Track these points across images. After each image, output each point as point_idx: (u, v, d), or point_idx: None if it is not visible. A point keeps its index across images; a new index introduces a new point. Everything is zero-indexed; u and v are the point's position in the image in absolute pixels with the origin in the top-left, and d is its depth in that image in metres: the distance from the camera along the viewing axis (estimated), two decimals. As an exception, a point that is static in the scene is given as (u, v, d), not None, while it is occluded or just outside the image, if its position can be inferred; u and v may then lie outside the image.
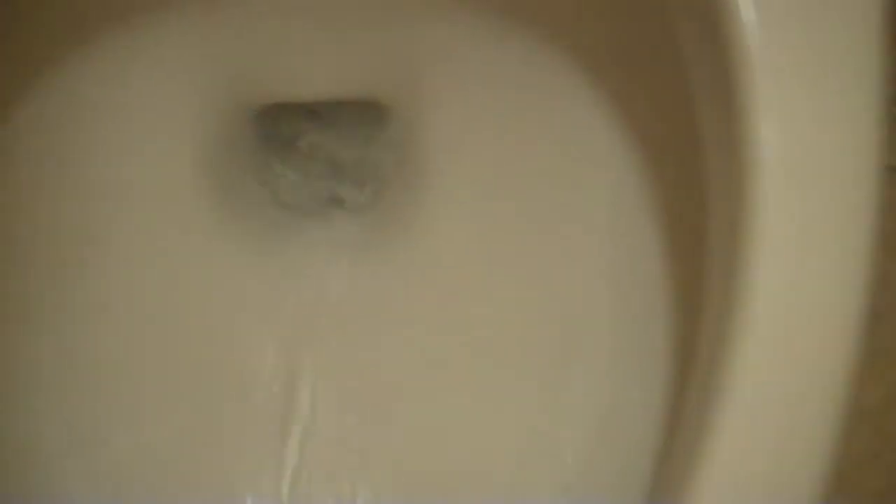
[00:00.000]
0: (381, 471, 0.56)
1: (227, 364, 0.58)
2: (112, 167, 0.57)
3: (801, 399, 0.41)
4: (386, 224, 0.59)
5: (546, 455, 0.54)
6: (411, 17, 0.55)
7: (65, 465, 0.55)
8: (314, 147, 0.61)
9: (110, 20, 0.55)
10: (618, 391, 0.54)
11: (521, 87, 0.55)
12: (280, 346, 0.58)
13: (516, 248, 0.57)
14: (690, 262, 0.48)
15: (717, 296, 0.43)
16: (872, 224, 0.41)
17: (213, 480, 0.57)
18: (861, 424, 0.78)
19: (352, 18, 0.56)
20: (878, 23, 0.41)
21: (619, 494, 0.51)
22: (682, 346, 0.50)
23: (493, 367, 0.56)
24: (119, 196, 0.57)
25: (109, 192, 0.57)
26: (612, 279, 0.55)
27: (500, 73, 0.55)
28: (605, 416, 0.54)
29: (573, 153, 0.55)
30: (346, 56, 0.57)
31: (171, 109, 0.57)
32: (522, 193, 0.56)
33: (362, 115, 0.60)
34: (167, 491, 0.55)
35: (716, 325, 0.42)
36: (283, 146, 0.61)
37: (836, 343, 0.41)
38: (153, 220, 0.58)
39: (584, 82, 0.53)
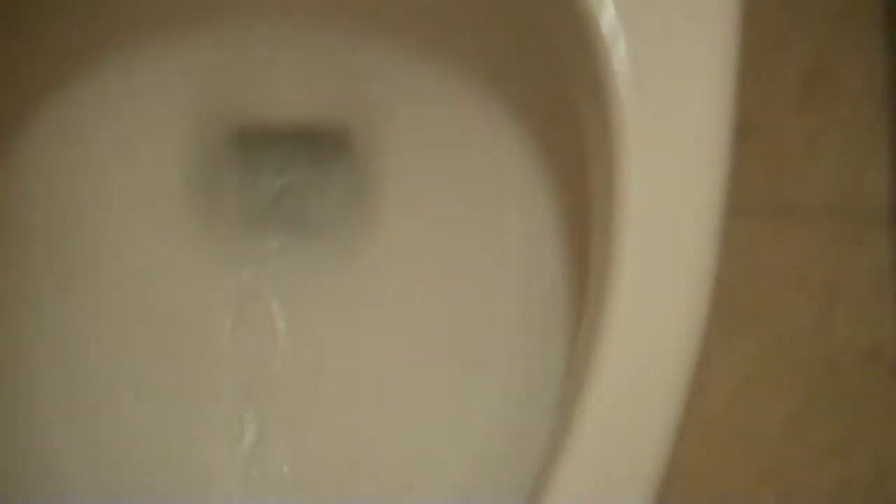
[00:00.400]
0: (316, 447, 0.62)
1: (193, 352, 0.64)
2: (102, 178, 0.63)
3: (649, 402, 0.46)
4: (340, 238, 0.65)
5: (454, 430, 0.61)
6: (365, 53, 0.62)
7: (55, 437, 0.61)
8: (282, 167, 0.66)
9: (106, 49, 0.61)
10: (519, 396, 0.60)
11: (452, 111, 0.62)
12: (240, 339, 0.64)
13: (444, 263, 0.64)
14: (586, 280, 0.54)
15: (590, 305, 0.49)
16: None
17: (179, 450, 0.62)
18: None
19: (315, 52, 0.63)
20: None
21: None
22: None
23: (416, 365, 0.63)
24: (107, 203, 0.63)
25: (99, 199, 0.63)
26: (521, 295, 0.62)
27: (434, 101, 0.62)
28: (505, 418, 0.60)
29: (493, 180, 0.62)
30: (310, 84, 0.64)
31: (157, 129, 0.63)
32: (453, 215, 0.63)
33: (322, 139, 0.66)
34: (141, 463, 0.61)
35: (587, 325, 0.48)
36: (255, 165, 0.66)
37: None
38: (136, 223, 0.63)
39: (500, 105, 0.61)
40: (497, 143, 0.62)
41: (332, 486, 0.63)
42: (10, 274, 0.61)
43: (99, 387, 0.62)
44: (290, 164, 0.66)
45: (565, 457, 0.46)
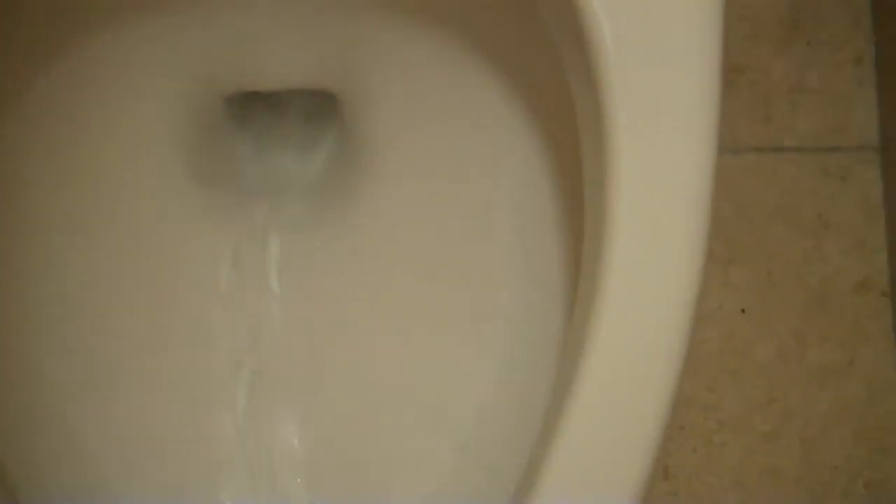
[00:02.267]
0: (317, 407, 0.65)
1: (190, 314, 0.66)
2: (98, 149, 0.65)
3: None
4: (330, 198, 0.67)
5: (457, 387, 0.64)
6: (358, 19, 0.63)
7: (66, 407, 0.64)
8: (272, 130, 0.69)
9: (100, 16, 0.62)
10: (519, 352, 0.62)
11: (444, 79, 0.63)
12: (238, 296, 0.66)
13: (439, 223, 0.65)
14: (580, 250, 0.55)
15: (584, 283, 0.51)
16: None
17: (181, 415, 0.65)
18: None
19: (308, 18, 0.64)
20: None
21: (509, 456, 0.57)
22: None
23: (416, 315, 0.65)
24: (105, 168, 0.65)
25: (97, 164, 0.65)
26: (517, 252, 0.63)
27: (430, 69, 0.63)
28: (501, 376, 0.63)
29: (486, 141, 0.63)
30: (303, 50, 0.65)
31: (150, 98, 0.65)
32: (445, 175, 0.65)
33: (315, 103, 0.68)
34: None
35: (582, 303, 0.50)
36: (246, 129, 0.69)
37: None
38: (132, 185, 0.65)
39: (494, 78, 0.62)
40: (489, 108, 0.63)
41: (335, 444, 0.65)
42: (14, 237, 0.63)
43: (102, 344, 0.65)
44: (283, 128, 0.69)
45: (555, 447, 0.47)
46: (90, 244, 0.65)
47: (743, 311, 0.88)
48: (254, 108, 0.69)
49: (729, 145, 0.89)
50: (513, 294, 0.63)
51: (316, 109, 0.69)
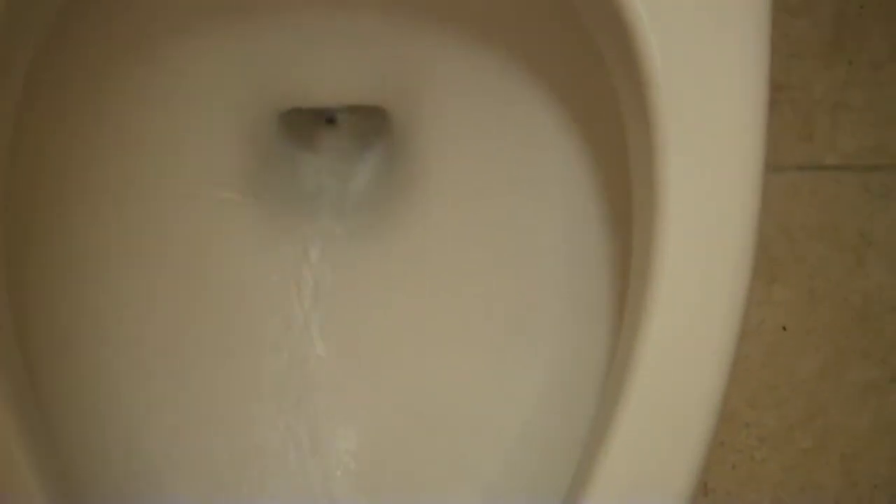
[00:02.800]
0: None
1: (245, 321, 0.68)
2: (163, 157, 0.66)
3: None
4: (379, 213, 0.69)
5: (504, 400, 0.65)
6: (411, 39, 0.64)
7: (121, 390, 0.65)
8: (326, 145, 0.70)
9: (167, 41, 0.64)
10: (560, 370, 0.64)
11: (494, 98, 0.64)
12: (291, 301, 0.67)
13: (489, 234, 0.66)
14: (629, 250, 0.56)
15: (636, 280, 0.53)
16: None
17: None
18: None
19: (362, 37, 0.65)
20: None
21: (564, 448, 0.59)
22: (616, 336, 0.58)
23: (464, 330, 0.66)
24: (166, 183, 0.67)
25: (159, 179, 0.66)
26: (565, 268, 0.65)
27: (481, 89, 0.65)
28: (547, 390, 0.64)
29: (535, 160, 0.65)
30: (355, 67, 0.67)
31: (212, 111, 0.67)
32: (493, 192, 0.66)
33: (368, 120, 0.70)
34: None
35: (631, 318, 0.51)
36: (301, 144, 0.70)
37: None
38: (191, 200, 0.67)
39: (544, 98, 0.63)
40: (538, 127, 0.64)
41: (385, 457, 0.66)
42: (79, 247, 0.65)
43: (163, 353, 0.67)
44: (336, 142, 0.70)
45: (606, 453, 0.49)
46: (148, 254, 0.66)
47: (784, 328, 0.88)
48: (308, 123, 0.71)
49: (771, 163, 0.90)
50: (559, 312, 0.65)
51: (368, 125, 0.70)
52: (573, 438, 0.56)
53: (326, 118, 0.71)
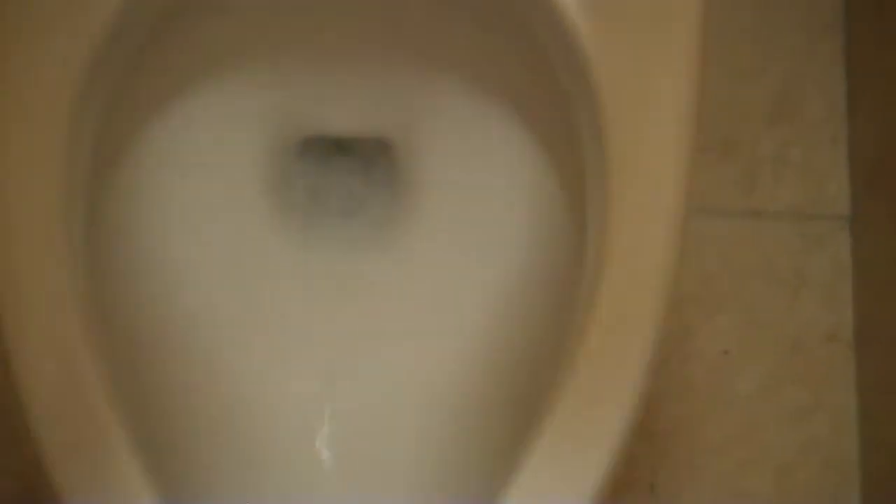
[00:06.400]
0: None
1: (272, 332, 0.76)
2: (197, 191, 0.76)
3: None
4: (384, 232, 0.79)
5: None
6: (409, 80, 0.76)
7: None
8: (339, 173, 0.81)
9: (196, 78, 0.74)
10: (535, 346, 0.72)
11: (479, 129, 0.75)
12: (307, 300, 0.77)
13: (471, 254, 0.76)
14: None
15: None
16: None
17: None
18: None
19: (370, 79, 0.77)
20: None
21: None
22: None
23: (451, 331, 0.75)
24: (201, 205, 0.76)
25: (194, 202, 0.76)
26: (530, 265, 0.74)
27: (468, 120, 0.75)
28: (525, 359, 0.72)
29: (506, 174, 0.75)
30: (364, 104, 0.78)
31: (239, 141, 0.77)
32: (474, 202, 0.76)
33: (375, 150, 0.80)
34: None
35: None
36: (317, 170, 0.80)
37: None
38: (221, 216, 0.76)
39: (517, 126, 0.74)
40: (511, 151, 0.74)
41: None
42: (113, 274, 0.71)
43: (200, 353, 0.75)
44: (348, 168, 0.81)
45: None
46: (189, 277, 0.75)
47: (726, 352, 0.99)
48: (321, 154, 0.81)
49: (719, 210, 1.01)
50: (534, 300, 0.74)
51: (372, 155, 0.81)
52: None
53: (341, 147, 0.81)
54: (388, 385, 0.75)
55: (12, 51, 0.61)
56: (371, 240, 0.79)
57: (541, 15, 0.64)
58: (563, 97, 0.65)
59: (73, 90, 0.61)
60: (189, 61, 0.74)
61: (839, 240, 1.02)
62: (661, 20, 0.62)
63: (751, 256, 1.01)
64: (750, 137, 1.03)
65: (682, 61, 0.61)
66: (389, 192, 0.80)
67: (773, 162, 1.03)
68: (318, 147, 0.80)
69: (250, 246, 0.77)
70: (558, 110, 0.66)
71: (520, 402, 0.69)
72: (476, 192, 0.76)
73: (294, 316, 0.77)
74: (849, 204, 1.03)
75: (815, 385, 1.00)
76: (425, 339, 0.75)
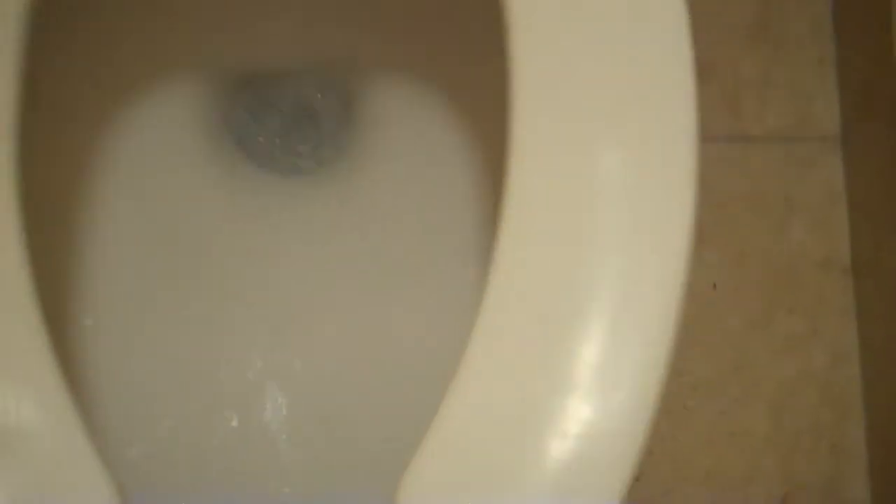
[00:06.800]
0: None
1: (213, 276, 0.74)
2: (134, 130, 0.73)
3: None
4: (331, 175, 0.76)
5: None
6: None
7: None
8: (282, 115, 0.77)
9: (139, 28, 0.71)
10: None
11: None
12: (250, 251, 0.74)
13: (411, 203, 0.74)
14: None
15: None
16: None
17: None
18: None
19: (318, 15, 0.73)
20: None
21: None
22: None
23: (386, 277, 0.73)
24: (136, 149, 0.73)
25: (131, 144, 0.73)
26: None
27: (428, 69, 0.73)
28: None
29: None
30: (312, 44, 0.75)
31: (176, 84, 0.74)
32: (422, 164, 0.74)
33: (321, 89, 0.77)
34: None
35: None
36: (258, 114, 0.77)
37: None
38: (160, 165, 0.74)
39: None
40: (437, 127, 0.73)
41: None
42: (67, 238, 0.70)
43: (138, 300, 0.72)
44: (292, 113, 0.77)
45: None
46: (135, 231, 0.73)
47: (714, 286, 0.95)
48: (264, 93, 0.78)
49: (702, 135, 0.96)
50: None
51: (320, 95, 0.78)
52: None
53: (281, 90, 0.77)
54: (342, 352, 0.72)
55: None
56: (309, 191, 0.76)
57: None
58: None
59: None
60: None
61: (830, 162, 0.97)
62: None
63: (737, 183, 0.97)
64: (730, 61, 0.98)
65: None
66: (336, 143, 0.77)
67: (757, 85, 0.98)
68: (259, 89, 0.77)
69: (187, 200, 0.74)
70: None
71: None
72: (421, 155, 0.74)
73: (231, 271, 0.74)
74: (838, 124, 0.98)
75: (809, 314, 0.95)
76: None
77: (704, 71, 0.96)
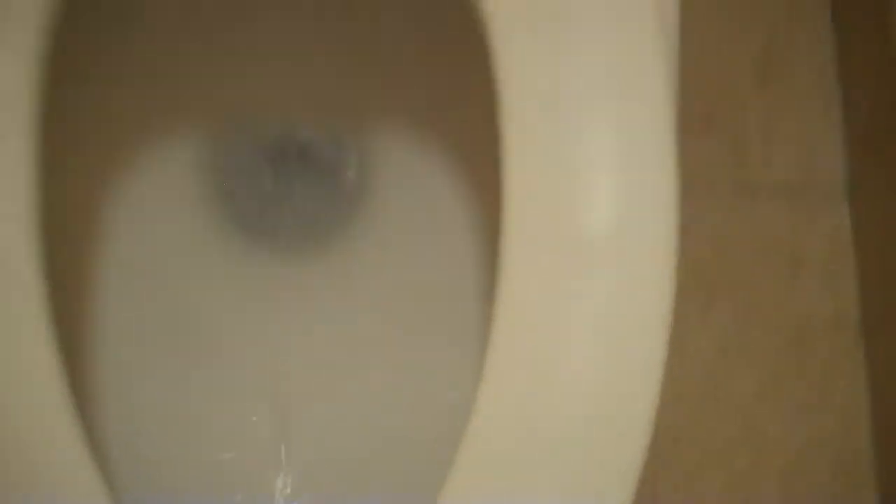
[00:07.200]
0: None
1: (212, 342, 0.71)
2: (130, 190, 0.70)
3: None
4: (330, 239, 0.73)
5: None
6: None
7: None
8: (285, 181, 0.74)
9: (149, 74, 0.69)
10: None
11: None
12: (251, 309, 0.72)
13: (412, 261, 0.72)
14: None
15: None
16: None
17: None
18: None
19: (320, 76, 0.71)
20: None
21: None
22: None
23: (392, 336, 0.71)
24: (138, 210, 0.71)
25: (136, 195, 0.70)
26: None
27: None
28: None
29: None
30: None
31: (183, 142, 0.72)
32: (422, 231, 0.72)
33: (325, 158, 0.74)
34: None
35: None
36: (261, 178, 0.74)
37: None
38: (160, 224, 0.71)
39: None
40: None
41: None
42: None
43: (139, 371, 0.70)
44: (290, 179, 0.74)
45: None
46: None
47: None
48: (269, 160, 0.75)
49: (706, 188, 0.93)
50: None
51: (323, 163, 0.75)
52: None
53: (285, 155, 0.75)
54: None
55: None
56: (314, 251, 0.74)
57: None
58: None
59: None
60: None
61: (837, 214, 0.94)
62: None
63: (743, 239, 0.93)
64: (734, 110, 0.94)
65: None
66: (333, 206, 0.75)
67: (762, 135, 0.94)
68: (264, 156, 0.75)
69: (189, 258, 0.72)
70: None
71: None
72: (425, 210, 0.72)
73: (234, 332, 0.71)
74: (845, 175, 0.94)
75: (819, 379, 0.91)
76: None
77: (708, 120, 0.94)
